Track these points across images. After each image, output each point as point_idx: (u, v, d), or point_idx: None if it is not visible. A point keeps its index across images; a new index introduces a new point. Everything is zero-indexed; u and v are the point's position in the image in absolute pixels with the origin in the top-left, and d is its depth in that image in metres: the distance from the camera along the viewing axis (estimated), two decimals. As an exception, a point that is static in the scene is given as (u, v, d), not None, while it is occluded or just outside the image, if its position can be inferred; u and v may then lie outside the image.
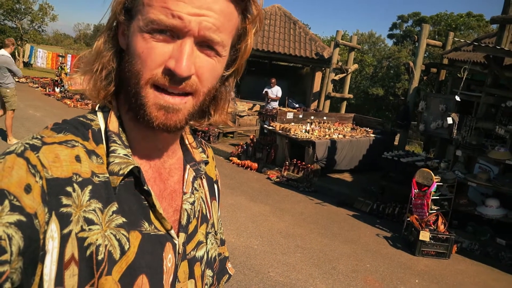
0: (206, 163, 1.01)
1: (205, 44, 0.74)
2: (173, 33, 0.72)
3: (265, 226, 6.41)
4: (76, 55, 25.40)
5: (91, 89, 0.80)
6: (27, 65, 29.46)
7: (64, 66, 20.05)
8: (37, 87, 20.35)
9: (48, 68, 26.72)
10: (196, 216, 0.92)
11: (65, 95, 18.17)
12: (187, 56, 0.71)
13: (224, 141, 12.49)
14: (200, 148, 1.01)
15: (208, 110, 0.89)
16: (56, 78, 19.81)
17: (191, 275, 0.87)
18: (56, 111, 14.25)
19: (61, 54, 24.70)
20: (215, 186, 1.07)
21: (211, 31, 0.73)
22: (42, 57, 25.75)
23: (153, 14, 0.71)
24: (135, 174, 0.77)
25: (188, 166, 0.93)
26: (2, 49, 8.43)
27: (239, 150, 10.84)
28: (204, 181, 1.01)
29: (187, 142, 0.97)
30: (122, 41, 0.80)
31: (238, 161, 10.31)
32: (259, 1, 0.82)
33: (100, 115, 0.82)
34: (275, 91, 13.38)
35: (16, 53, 30.10)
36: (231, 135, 13.20)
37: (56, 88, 19.32)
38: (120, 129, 0.80)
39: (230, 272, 1.15)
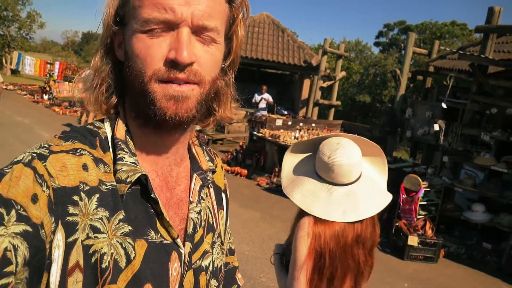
0: (213, 171, 0.99)
1: (200, 33, 0.75)
2: (168, 26, 0.72)
3: (256, 232, 6.46)
4: (64, 62, 25.32)
5: (93, 104, 0.81)
6: (14, 72, 29.25)
7: (53, 73, 19.96)
8: (25, 94, 20.19)
9: (36, 76, 26.54)
10: (203, 225, 0.91)
11: (53, 102, 18.07)
12: (186, 44, 0.72)
13: (213, 147, 12.49)
14: (208, 157, 1.00)
15: (212, 106, 0.88)
16: (45, 85, 19.70)
17: (196, 285, 0.86)
18: (44, 118, 14.17)
19: (49, 62, 24.55)
20: (223, 195, 1.06)
21: (204, 19, 0.74)
22: (30, 64, 25.57)
23: (146, 14, 0.71)
24: (142, 182, 0.77)
25: (195, 175, 0.92)
26: None
27: (229, 156, 10.91)
28: (212, 190, 1.00)
29: (194, 151, 0.96)
30: (120, 53, 0.80)
31: (228, 167, 10.34)
32: None
33: (107, 123, 0.82)
34: (266, 98, 13.53)
35: (4, 60, 29.89)
36: (220, 141, 13.21)
37: (44, 95, 19.21)
38: (127, 136, 0.80)
39: (239, 283, 1.14)
